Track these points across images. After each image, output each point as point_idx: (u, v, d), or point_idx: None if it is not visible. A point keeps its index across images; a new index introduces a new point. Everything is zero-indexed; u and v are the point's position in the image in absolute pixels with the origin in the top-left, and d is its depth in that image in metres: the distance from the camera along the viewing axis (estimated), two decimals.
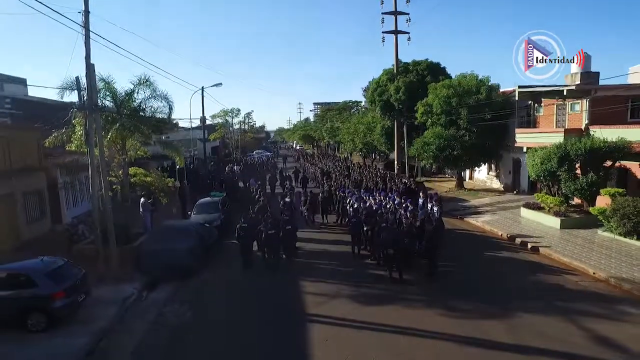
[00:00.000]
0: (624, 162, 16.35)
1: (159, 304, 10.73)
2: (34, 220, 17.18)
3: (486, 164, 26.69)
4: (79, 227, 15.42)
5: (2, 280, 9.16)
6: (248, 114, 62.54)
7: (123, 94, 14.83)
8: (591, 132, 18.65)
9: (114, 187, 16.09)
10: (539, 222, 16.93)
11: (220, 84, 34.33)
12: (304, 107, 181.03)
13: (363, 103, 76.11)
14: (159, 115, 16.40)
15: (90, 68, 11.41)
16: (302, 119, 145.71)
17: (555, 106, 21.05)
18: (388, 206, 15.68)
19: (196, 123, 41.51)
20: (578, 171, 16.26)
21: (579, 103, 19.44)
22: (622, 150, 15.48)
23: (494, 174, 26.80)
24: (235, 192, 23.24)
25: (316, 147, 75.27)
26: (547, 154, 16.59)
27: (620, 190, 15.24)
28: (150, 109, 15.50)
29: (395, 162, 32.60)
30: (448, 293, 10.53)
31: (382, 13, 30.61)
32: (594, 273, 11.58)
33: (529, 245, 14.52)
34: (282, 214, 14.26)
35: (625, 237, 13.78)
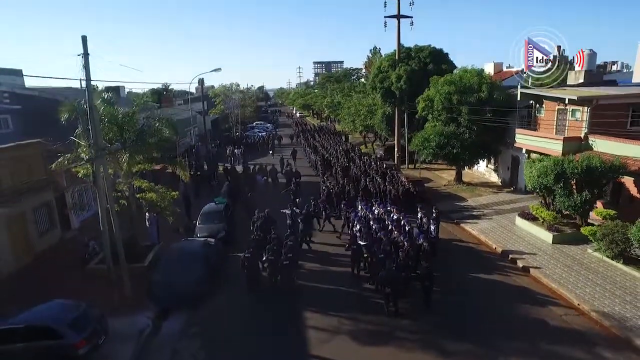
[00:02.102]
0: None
1: (172, 338, 11.57)
2: (45, 231, 17.83)
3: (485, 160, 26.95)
4: (89, 244, 16.04)
5: (26, 332, 9.85)
6: (248, 89, 61.62)
7: (126, 118, 14.85)
8: (590, 142, 18.86)
9: (120, 201, 16.48)
10: (532, 234, 17.55)
11: (220, 69, 33.80)
12: (304, 65, 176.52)
13: (363, 71, 74.81)
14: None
15: (93, 112, 11.46)
16: (301, 82, 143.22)
17: (556, 109, 20.97)
18: (386, 223, 16.28)
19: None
20: (574, 186, 16.64)
21: (579, 110, 19.38)
22: (618, 170, 15.79)
23: (492, 167, 27.10)
24: (239, 190, 23.70)
25: (316, 115, 74.52)
26: (544, 168, 16.86)
27: (612, 212, 15.75)
28: (154, 128, 15.58)
29: (396, 149, 32.79)
30: (440, 330, 11.33)
31: None
32: (578, 304, 12.35)
33: (520, 264, 15.25)
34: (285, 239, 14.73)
35: (612, 259, 14.45)
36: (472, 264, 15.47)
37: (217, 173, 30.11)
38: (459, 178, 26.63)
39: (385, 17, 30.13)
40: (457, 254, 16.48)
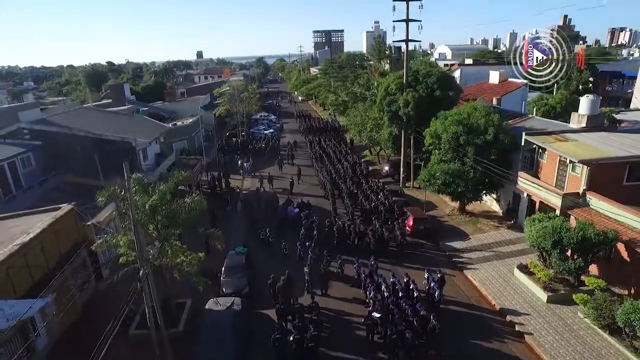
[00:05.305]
0: None
1: None
2: (83, 287, 19.37)
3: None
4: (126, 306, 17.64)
5: None
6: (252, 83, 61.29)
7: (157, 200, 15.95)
8: (587, 199, 20.09)
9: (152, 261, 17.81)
10: (529, 289, 19.18)
11: (228, 89, 34.13)
12: (303, 35, 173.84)
13: (366, 56, 73.94)
14: None
15: (138, 231, 12.65)
16: (302, 55, 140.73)
17: (557, 159, 21.94)
18: (397, 287, 17.89)
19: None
20: (569, 252, 18.07)
21: (579, 166, 20.42)
22: (611, 242, 17.18)
23: (494, 196, 28.32)
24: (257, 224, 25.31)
25: (322, 105, 74.30)
26: (543, 232, 18.21)
27: (602, 284, 17.33)
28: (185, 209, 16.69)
29: (401, 169, 33.91)
30: None
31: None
32: None
33: (516, 328, 17.00)
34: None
35: (600, 328, 16.15)
36: (473, 327, 17.14)
37: (231, 197, 31.28)
38: (462, 208, 27.96)
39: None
40: (459, 314, 18.14)
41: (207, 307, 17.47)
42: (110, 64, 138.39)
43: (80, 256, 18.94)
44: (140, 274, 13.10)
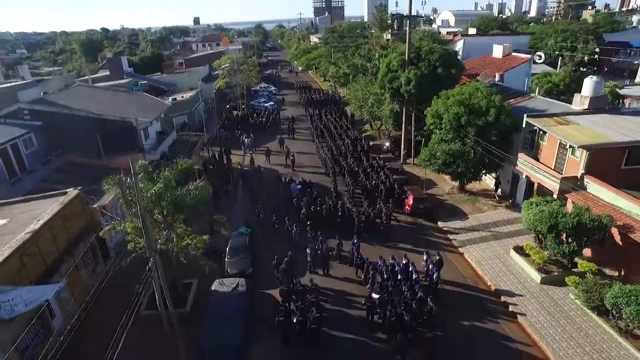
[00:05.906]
0: None
1: None
2: (92, 269, 20.02)
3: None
4: (135, 287, 18.34)
5: None
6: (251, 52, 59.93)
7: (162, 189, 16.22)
8: (585, 182, 20.40)
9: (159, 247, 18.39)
10: (524, 270, 19.85)
11: (227, 65, 33.51)
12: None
13: (366, 20, 72.03)
14: None
15: (146, 223, 13.01)
16: (302, 22, 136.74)
17: (558, 142, 22.02)
18: (396, 269, 18.52)
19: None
20: (564, 236, 18.58)
21: (579, 150, 20.56)
22: (605, 227, 17.63)
23: (494, 175, 28.59)
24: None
25: (322, 76, 73.20)
26: (540, 217, 18.67)
27: (594, 267, 17.94)
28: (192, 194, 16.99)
29: (402, 146, 34.01)
30: None
31: None
32: None
33: (510, 308, 17.78)
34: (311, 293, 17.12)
35: (589, 310, 16.91)
36: (468, 308, 17.90)
37: (232, 175, 31.53)
38: (461, 187, 28.32)
39: (394, 15, 29.65)
40: (456, 295, 18.87)
41: (212, 288, 18.18)
42: (104, 30, 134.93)
43: (88, 236, 19.44)
44: (150, 264, 13.59)
